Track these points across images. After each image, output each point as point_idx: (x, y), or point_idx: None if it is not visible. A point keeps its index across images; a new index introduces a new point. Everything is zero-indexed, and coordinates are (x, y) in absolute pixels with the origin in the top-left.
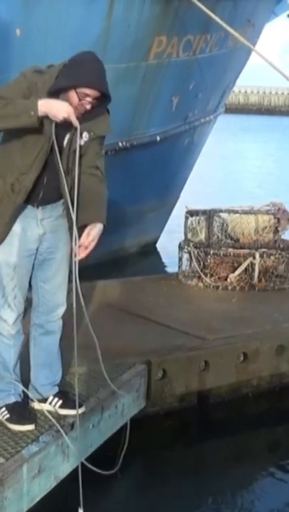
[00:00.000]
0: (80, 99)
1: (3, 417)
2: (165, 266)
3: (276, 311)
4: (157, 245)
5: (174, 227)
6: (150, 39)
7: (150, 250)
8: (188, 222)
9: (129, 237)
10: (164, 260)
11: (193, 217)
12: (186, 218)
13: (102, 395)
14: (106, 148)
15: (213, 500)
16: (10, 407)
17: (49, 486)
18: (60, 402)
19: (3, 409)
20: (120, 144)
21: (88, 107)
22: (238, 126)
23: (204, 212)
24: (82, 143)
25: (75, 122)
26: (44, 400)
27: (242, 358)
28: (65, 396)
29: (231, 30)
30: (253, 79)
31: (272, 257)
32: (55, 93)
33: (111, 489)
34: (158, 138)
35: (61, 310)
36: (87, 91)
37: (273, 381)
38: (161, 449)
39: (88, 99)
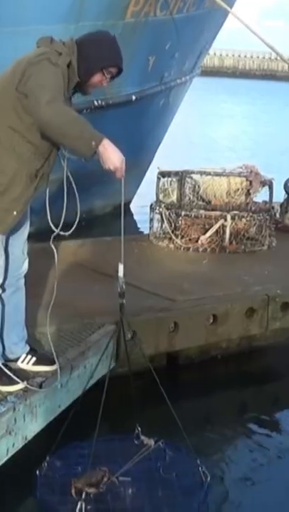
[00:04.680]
0: (104, 77)
1: None
2: (138, 227)
3: (247, 273)
4: (131, 206)
5: (148, 188)
6: None
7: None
8: (160, 183)
9: (101, 197)
10: (137, 222)
11: (165, 179)
12: (158, 179)
13: (70, 355)
14: (81, 106)
15: None
16: None
17: (17, 446)
18: (34, 359)
19: None
20: (96, 102)
21: (105, 83)
22: (213, 88)
23: (176, 173)
24: None
25: (120, 176)
26: (16, 359)
27: (211, 320)
28: (37, 353)
29: None
30: (228, 43)
31: (243, 220)
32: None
33: (81, 451)
34: (133, 97)
35: (27, 263)
36: (113, 70)
37: (242, 343)
38: (130, 409)
39: (109, 76)
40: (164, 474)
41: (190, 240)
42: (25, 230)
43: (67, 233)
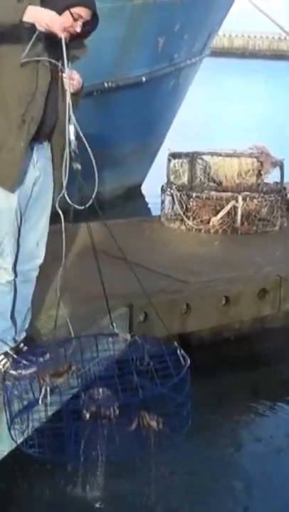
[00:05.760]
0: (74, 21)
1: (4, 365)
2: (149, 209)
3: (259, 254)
4: (143, 188)
5: (160, 170)
6: None
7: (135, 193)
8: (171, 164)
9: (112, 179)
10: (149, 204)
11: (176, 160)
12: (169, 161)
13: (82, 338)
14: (91, 88)
15: (191, 442)
16: (8, 355)
17: None
18: (25, 348)
19: (1, 357)
20: (106, 84)
21: (78, 29)
22: (223, 69)
23: (187, 154)
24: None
25: (59, 32)
26: None
27: (224, 302)
28: (33, 341)
29: None
30: (238, 24)
31: (255, 201)
32: None
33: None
34: (144, 79)
35: (41, 258)
36: (82, 11)
37: (255, 325)
38: None
39: (81, 20)
40: (140, 365)
41: (201, 221)
42: (40, 222)
43: (82, 207)
